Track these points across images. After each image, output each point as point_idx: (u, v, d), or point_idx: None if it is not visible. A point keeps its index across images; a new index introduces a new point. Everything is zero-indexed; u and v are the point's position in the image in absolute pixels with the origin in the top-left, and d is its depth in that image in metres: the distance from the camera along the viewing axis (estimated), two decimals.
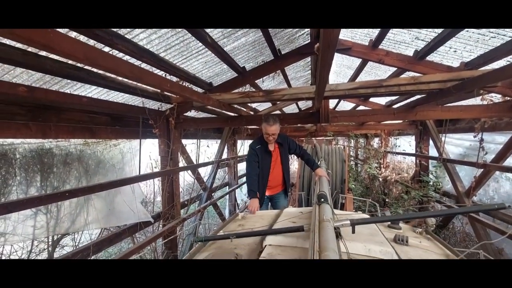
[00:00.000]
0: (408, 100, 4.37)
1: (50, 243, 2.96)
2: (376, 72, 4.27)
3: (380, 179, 7.77)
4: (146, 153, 3.87)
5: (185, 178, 5.51)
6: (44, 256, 2.91)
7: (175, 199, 3.82)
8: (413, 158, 6.54)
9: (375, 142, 9.31)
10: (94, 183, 2.70)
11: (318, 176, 2.83)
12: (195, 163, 4.61)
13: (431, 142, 5.75)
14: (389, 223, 2.01)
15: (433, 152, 5.71)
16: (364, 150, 8.80)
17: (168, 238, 3.42)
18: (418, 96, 3.31)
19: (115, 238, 3.15)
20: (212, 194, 5.54)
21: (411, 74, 3.19)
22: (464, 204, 4.31)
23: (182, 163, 4.25)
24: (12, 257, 2.71)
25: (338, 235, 1.20)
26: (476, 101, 3.69)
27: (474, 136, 3.83)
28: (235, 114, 3.73)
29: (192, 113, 4.43)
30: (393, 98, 5.11)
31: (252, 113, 5.20)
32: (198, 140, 4.71)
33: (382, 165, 8.11)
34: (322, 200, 1.59)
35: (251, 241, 1.61)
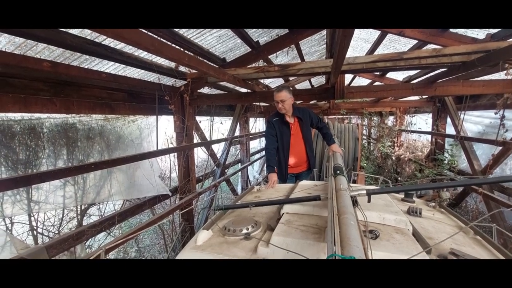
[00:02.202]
0: (427, 75, 4.21)
1: (78, 212, 3.19)
2: (394, 46, 4.09)
3: (393, 158, 7.71)
4: (161, 129, 3.97)
5: (199, 155, 5.64)
6: (74, 223, 3.16)
7: (190, 174, 3.95)
8: (429, 137, 6.41)
9: (390, 120, 9.11)
10: (116, 156, 2.83)
11: (332, 151, 2.85)
12: (208, 139, 4.70)
13: (448, 120, 5.59)
14: (403, 197, 2.05)
15: (450, 130, 5.57)
16: (378, 129, 8.64)
17: (185, 210, 3.59)
18: (438, 71, 3.19)
19: (136, 209, 3.34)
20: (225, 170, 5.68)
21: (433, 47, 3.05)
22: (477, 176, 4.25)
23: (196, 139, 4.35)
24: (46, 223, 2.96)
25: (354, 203, 1.24)
26: (500, 76, 3.52)
27: (495, 113, 3.70)
28: (249, 90, 3.72)
29: (205, 90, 4.44)
30: (412, 73, 4.92)
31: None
32: (212, 117, 4.76)
33: (395, 144, 8.00)
34: (338, 172, 1.63)
35: (268, 210, 1.69)
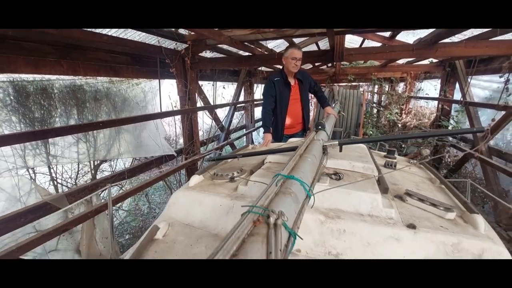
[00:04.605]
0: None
1: (92, 167, 3.52)
2: None
3: (399, 125, 7.66)
4: (165, 93, 4.11)
5: (204, 121, 5.81)
6: (88, 177, 3.51)
7: (194, 136, 4.17)
8: (436, 103, 6.30)
9: (400, 87, 8.87)
10: (122, 116, 3.04)
11: (326, 113, 2.95)
12: (212, 104, 4.83)
13: (457, 86, 5.45)
14: (386, 153, 2.18)
15: (458, 96, 5.45)
16: (387, 95, 8.46)
17: (189, 161, 3.86)
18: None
19: (144, 167, 3.63)
20: (230, 135, 5.89)
21: None
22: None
23: (199, 103, 4.49)
24: (64, 175, 3.31)
25: (325, 151, 1.40)
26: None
27: (500, 77, 3.63)
28: (250, 54, 3.75)
29: (208, 55, 4.47)
30: (422, 35, 4.74)
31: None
32: (215, 82, 4.84)
33: (403, 111, 7.89)
34: (320, 127, 1.77)
35: (256, 162, 1.87)
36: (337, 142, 1.45)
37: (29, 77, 2.43)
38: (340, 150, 1.46)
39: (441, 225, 1.10)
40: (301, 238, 0.66)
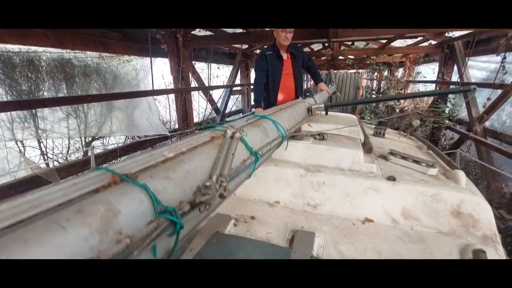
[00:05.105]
0: None
1: (83, 143, 3.50)
2: None
3: (397, 110, 7.62)
4: (158, 73, 4.05)
5: (200, 105, 5.76)
6: (80, 153, 3.49)
7: (188, 117, 4.14)
8: (435, 87, 6.25)
9: (399, 72, 8.78)
10: (112, 92, 2.99)
11: (320, 89, 2.91)
12: (206, 85, 4.78)
13: (455, 68, 5.38)
14: (376, 124, 2.17)
15: (456, 79, 5.39)
16: (386, 80, 8.39)
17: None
18: None
19: (138, 146, 3.61)
20: (225, 119, 5.85)
21: None
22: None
23: (194, 84, 4.43)
24: (54, 151, 3.29)
25: (309, 111, 1.38)
26: None
27: (497, 55, 3.58)
28: (243, 31, 3.67)
29: (201, 33, 4.38)
30: None
31: None
32: (209, 63, 4.77)
33: None
34: (308, 94, 1.74)
35: None
36: (323, 105, 1.42)
37: (15, 48, 2.37)
38: (326, 113, 1.44)
39: (422, 179, 1.10)
40: (260, 155, 0.65)
